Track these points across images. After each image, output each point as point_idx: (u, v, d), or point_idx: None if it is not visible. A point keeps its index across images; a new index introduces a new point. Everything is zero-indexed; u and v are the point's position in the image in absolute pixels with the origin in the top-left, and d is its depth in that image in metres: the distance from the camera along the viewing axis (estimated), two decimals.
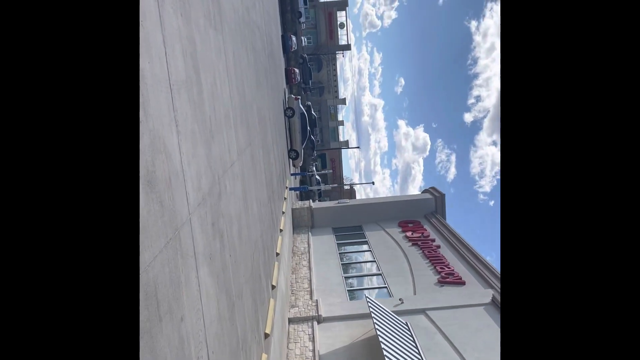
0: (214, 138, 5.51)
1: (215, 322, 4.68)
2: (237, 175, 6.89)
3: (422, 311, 14.58)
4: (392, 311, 14.35)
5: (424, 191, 25.67)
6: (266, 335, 8.20)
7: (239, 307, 5.97)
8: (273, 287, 10.14)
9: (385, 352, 11.09)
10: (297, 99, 25.12)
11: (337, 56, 71.00)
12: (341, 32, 70.28)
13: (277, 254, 12.11)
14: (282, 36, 34.17)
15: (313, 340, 13.24)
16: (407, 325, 13.63)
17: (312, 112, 30.69)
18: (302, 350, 12.77)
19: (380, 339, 11.65)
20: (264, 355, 7.58)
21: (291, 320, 14.27)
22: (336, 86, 72.03)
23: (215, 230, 5.08)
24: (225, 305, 5.15)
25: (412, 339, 12.99)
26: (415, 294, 16.00)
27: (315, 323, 14.13)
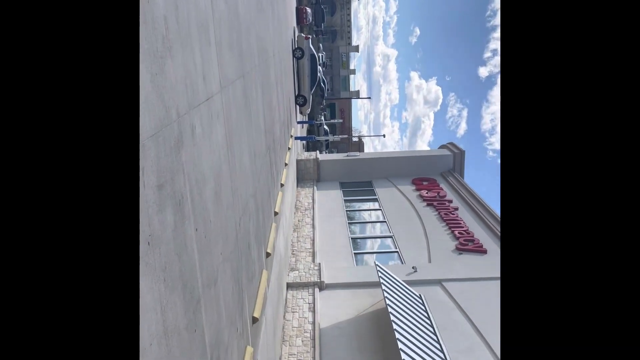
0: (173, 52, 3.55)
1: (156, 345, 2.89)
2: (216, 114, 4.97)
3: (438, 282, 12.95)
4: (404, 281, 12.73)
5: (442, 147, 23.64)
6: (254, 320, 6.52)
7: (208, 300, 4.20)
8: (268, 254, 8.42)
9: (396, 331, 9.50)
10: (307, 38, 22.73)
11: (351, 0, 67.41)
12: None
13: (276, 213, 10.35)
14: None
15: (313, 310, 11.69)
16: (421, 298, 12.03)
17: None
18: (300, 322, 11.25)
19: (392, 315, 10.05)
20: (249, 349, 5.91)
21: (290, 286, 12.71)
22: (349, 32, 68.85)
23: (166, 196, 3.22)
24: (179, 310, 3.36)
25: (426, 314, 11.41)
26: (430, 261, 14.33)
27: (316, 290, 12.56)
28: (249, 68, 7.67)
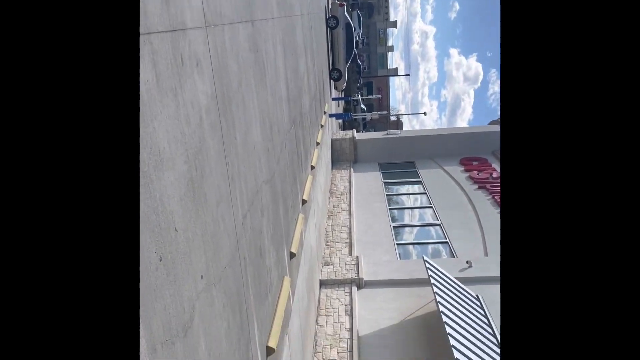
0: None
1: None
2: (194, 59, 3.20)
3: (498, 280, 10.96)
4: (457, 278, 10.82)
5: (492, 122, 21.32)
6: (270, 351, 4.83)
7: None
8: (292, 255, 6.70)
9: (454, 348, 7.67)
10: (342, 6, 20.67)
11: None
12: None
13: (304, 202, 8.60)
14: None
15: (351, 314, 9.97)
16: (479, 300, 10.12)
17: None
18: (336, 328, 9.55)
19: (446, 324, 8.22)
20: None
21: (323, 283, 11.02)
22: (387, 7, 65.99)
23: None
24: None
25: (486, 320, 9.52)
26: (486, 254, 12.33)
27: (354, 288, 10.82)
28: (262, 16, 5.87)
